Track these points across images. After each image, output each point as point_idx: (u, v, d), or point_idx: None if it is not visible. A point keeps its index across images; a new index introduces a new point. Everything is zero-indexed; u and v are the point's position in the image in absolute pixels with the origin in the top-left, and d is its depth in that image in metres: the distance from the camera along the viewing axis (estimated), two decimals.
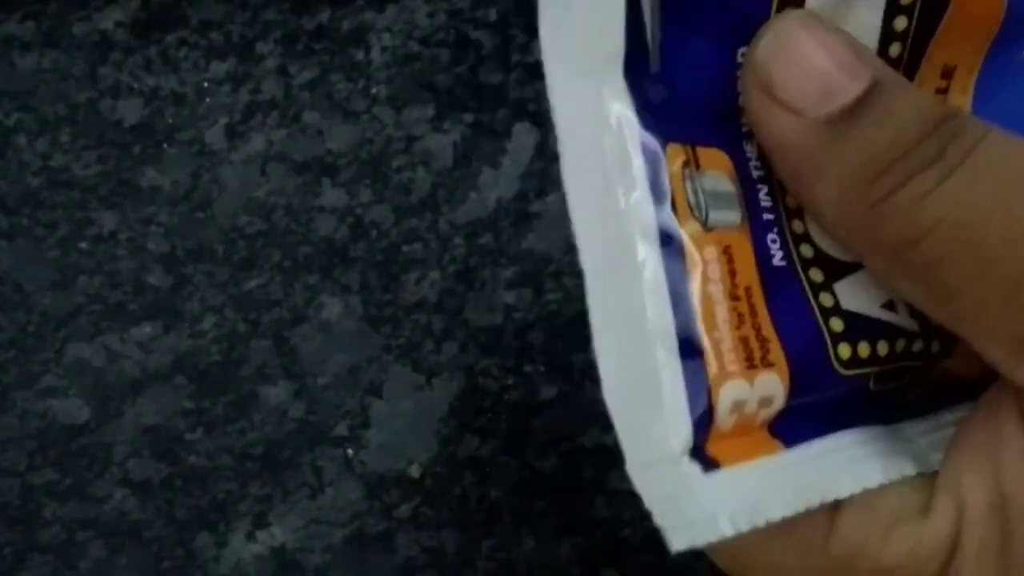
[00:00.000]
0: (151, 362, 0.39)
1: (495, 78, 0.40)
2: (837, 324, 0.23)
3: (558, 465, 0.40)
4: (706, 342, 0.21)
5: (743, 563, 0.23)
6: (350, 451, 0.39)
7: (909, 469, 0.23)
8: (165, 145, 0.39)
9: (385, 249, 0.40)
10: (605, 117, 0.22)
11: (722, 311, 0.22)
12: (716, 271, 0.22)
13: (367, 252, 0.40)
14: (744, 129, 0.23)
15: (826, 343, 0.23)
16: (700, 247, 0.22)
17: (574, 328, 0.40)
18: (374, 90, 0.40)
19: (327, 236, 0.40)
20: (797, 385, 0.22)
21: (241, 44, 0.40)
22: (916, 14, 0.22)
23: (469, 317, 0.40)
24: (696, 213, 0.22)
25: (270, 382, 0.39)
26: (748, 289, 0.22)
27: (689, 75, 0.22)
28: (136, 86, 0.40)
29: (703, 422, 0.21)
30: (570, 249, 0.40)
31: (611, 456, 0.39)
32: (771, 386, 0.22)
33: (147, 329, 0.39)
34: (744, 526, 0.21)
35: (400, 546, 0.39)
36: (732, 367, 0.22)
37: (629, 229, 0.21)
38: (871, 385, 0.23)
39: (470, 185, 0.40)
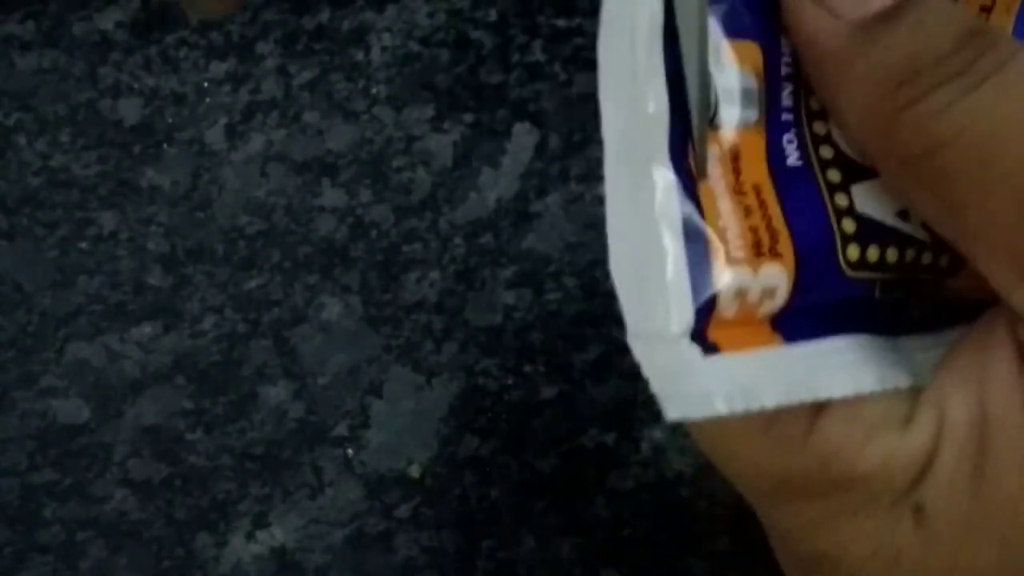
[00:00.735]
0: (151, 362, 0.39)
1: (495, 78, 0.40)
2: (849, 225, 0.23)
3: (558, 465, 0.40)
4: (709, 230, 0.22)
5: (722, 449, 0.23)
6: (350, 451, 0.39)
7: (902, 381, 0.23)
8: (165, 145, 0.39)
9: (385, 249, 0.40)
10: None
11: (725, 204, 0.22)
12: (717, 168, 0.22)
13: (367, 252, 0.40)
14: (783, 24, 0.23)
15: (836, 241, 0.23)
16: None
17: (574, 328, 0.40)
18: (374, 90, 0.40)
19: (327, 236, 0.40)
20: (802, 279, 0.22)
21: (241, 44, 0.40)
22: None
23: (469, 317, 0.40)
24: None
25: (270, 382, 0.39)
26: (756, 186, 0.22)
27: None
28: (136, 86, 0.40)
29: (705, 307, 0.22)
30: (570, 249, 0.40)
31: (611, 456, 0.39)
32: (775, 277, 0.22)
33: (147, 329, 0.39)
34: (738, 407, 0.21)
35: (400, 546, 0.39)
36: (738, 253, 0.22)
37: (646, 120, 0.21)
38: (877, 292, 0.24)
39: (470, 185, 0.40)
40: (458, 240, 0.40)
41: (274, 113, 0.40)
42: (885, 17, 0.21)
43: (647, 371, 0.21)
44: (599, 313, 0.40)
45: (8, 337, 0.39)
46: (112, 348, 0.39)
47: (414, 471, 0.39)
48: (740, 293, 0.22)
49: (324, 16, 0.40)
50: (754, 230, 0.22)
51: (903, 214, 0.23)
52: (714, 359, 0.22)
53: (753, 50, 0.22)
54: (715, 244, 0.22)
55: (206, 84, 0.40)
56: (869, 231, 0.23)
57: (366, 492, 0.39)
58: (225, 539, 0.39)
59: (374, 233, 0.40)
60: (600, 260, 0.40)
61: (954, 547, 0.22)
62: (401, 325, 0.39)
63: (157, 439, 0.39)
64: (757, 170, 0.22)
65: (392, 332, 0.39)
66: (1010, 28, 0.24)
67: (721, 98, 0.22)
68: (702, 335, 0.22)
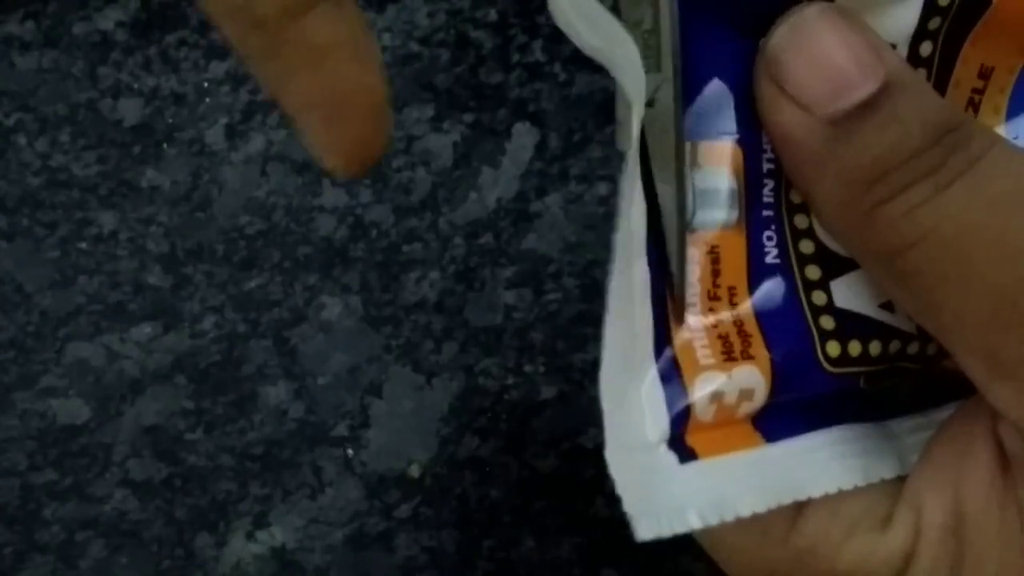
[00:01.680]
0: (151, 362, 0.39)
1: (495, 78, 0.40)
2: (828, 322, 0.23)
3: (558, 465, 0.40)
4: (676, 341, 0.22)
5: (711, 538, 0.24)
6: (350, 451, 0.39)
7: (887, 472, 0.23)
8: (165, 145, 0.39)
9: (385, 249, 0.40)
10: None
11: (694, 312, 0.22)
12: (695, 272, 0.22)
13: (367, 252, 0.40)
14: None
15: (814, 339, 0.23)
16: None
17: (574, 328, 0.40)
18: None
19: (327, 236, 0.40)
20: (780, 380, 0.22)
21: None
22: (951, 14, 0.22)
23: (469, 317, 0.40)
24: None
25: (270, 382, 0.39)
26: (732, 288, 0.22)
27: (708, 64, 0.22)
28: (136, 86, 0.40)
29: (680, 416, 0.22)
30: (570, 249, 0.40)
31: None
32: (750, 378, 0.22)
33: (147, 329, 0.39)
34: (712, 520, 0.21)
35: (400, 546, 0.39)
36: (707, 361, 0.22)
37: (638, 235, 0.22)
38: (861, 383, 0.23)
39: (470, 185, 0.40)
40: (458, 240, 0.40)
41: (274, 113, 0.40)
42: (859, 113, 0.20)
43: (620, 488, 0.21)
44: (599, 313, 0.39)
45: (8, 337, 0.39)
46: (112, 348, 0.39)
47: (414, 471, 0.39)
48: (716, 396, 0.22)
49: None
50: (724, 337, 0.22)
51: (887, 305, 0.23)
52: (691, 466, 0.22)
53: (733, 150, 0.22)
54: (682, 357, 0.22)
55: (206, 84, 0.40)
56: (850, 326, 0.23)
57: (366, 492, 0.39)
58: (225, 539, 0.39)
59: (374, 233, 0.40)
60: (600, 260, 0.40)
61: None
62: (401, 325, 0.39)
63: (157, 439, 0.39)
64: (735, 271, 0.22)
65: (392, 332, 0.39)
66: (1004, 108, 0.24)
67: (700, 201, 0.22)
68: (680, 442, 0.22)
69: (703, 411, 0.22)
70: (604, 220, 0.40)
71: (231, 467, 0.39)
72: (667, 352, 0.22)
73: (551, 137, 0.40)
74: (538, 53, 0.40)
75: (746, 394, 0.22)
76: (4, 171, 0.39)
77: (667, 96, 0.21)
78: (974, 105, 0.23)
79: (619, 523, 0.40)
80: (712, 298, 0.22)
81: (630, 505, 0.21)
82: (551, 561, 0.39)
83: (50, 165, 0.39)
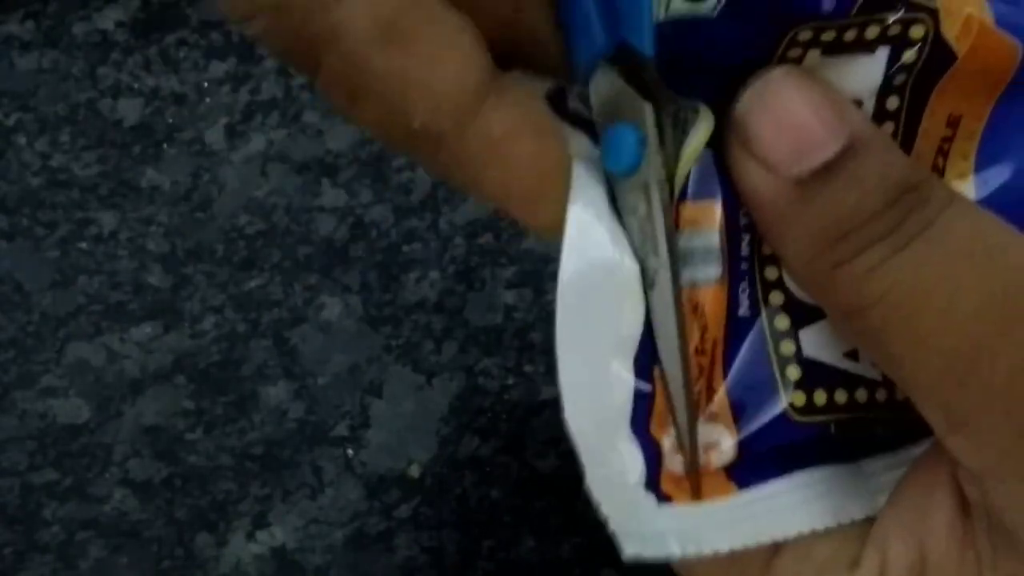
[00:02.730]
0: (151, 362, 0.39)
1: None
2: (794, 372, 0.23)
3: (558, 465, 0.40)
4: (657, 394, 0.23)
5: (685, 569, 0.24)
6: (350, 451, 0.39)
7: (857, 513, 0.24)
8: (165, 145, 0.39)
9: (385, 249, 0.40)
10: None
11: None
12: (691, 330, 0.23)
13: (367, 252, 0.40)
14: None
15: (779, 391, 0.23)
16: None
17: None
18: None
19: (327, 236, 0.40)
20: (744, 432, 0.23)
21: (241, 44, 0.40)
22: (916, 69, 0.22)
23: (469, 317, 0.40)
24: None
25: (270, 382, 0.39)
26: (716, 341, 0.23)
27: None
28: (136, 86, 0.40)
29: (653, 463, 0.23)
30: None
31: None
32: (713, 433, 0.23)
33: (147, 329, 0.39)
34: (691, 551, 0.22)
35: (400, 546, 0.39)
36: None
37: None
38: (832, 430, 0.24)
39: None
40: (458, 240, 0.40)
41: (274, 113, 0.40)
42: (822, 173, 0.21)
43: (605, 511, 0.22)
44: None
45: (8, 337, 0.39)
46: (112, 348, 0.39)
47: (414, 471, 0.39)
48: (680, 448, 0.23)
49: None
50: (699, 393, 0.23)
51: (852, 354, 0.24)
52: (667, 508, 0.22)
53: (714, 209, 0.22)
54: (654, 411, 0.22)
55: (206, 84, 0.40)
56: (815, 376, 0.23)
57: (366, 492, 0.39)
58: (225, 539, 0.39)
59: (374, 233, 0.40)
60: None
61: None
62: (401, 325, 0.40)
63: (157, 439, 0.39)
64: (718, 324, 0.23)
65: (392, 332, 0.39)
66: (973, 154, 0.24)
67: (690, 260, 0.22)
68: (656, 485, 0.23)
69: (671, 462, 0.23)
70: None
71: (231, 467, 0.39)
72: (645, 393, 0.23)
73: None
74: None
75: (712, 446, 0.23)
76: (4, 171, 0.39)
77: (665, 280, 0.22)
78: (943, 153, 0.24)
79: None
80: (700, 352, 0.23)
81: (615, 524, 0.22)
82: (551, 561, 0.39)
83: (50, 165, 0.39)
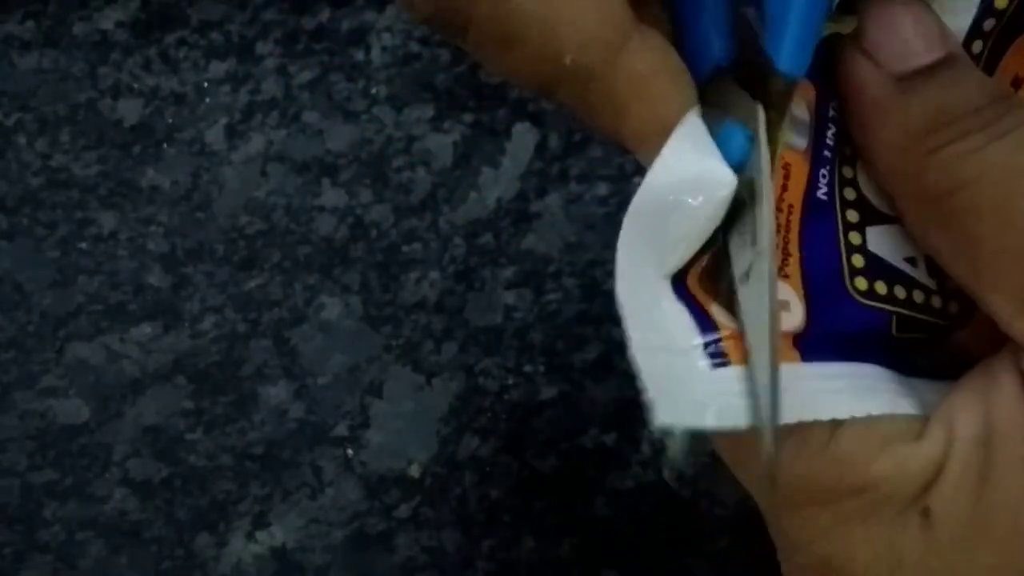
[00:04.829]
0: (151, 362, 0.39)
1: (495, 78, 0.40)
2: (858, 260, 0.25)
3: (558, 465, 0.40)
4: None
5: (741, 453, 0.24)
6: (350, 451, 0.39)
7: (912, 410, 0.24)
8: (165, 145, 0.39)
9: (385, 249, 0.40)
10: None
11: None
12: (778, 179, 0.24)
13: (367, 252, 0.40)
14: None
15: (844, 271, 0.25)
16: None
17: (574, 328, 0.40)
18: (374, 90, 0.40)
19: (327, 236, 0.40)
20: (812, 299, 0.24)
21: (241, 44, 0.40)
22: (1006, 18, 0.25)
23: (469, 317, 0.40)
24: None
25: (270, 382, 0.39)
26: (791, 207, 0.24)
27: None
28: (136, 86, 0.40)
29: (707, 326, 0.23)
30: (570, 249, 0.40)
31: (611, 456, 0.39)
32: (784, 293, 0.24)
33: (147, 329, 0.39)
34: (727, 423, 0.22)
35: (400, 546, 0.39)
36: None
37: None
38: (893, 328, 0.25)
39: (470, 185, 0.40)
40: (458, 240, 0.40)
41: (274, 113, 0.40)
42: (924, 73, 0.24)
43: (645, 377, 0.22)
44: (599, 313, 0.40)
45: (8, 337, 0.39)
46: (112, 348, 0.39)
47: (414, 471, 0.39)
48: None
49: (324, 16, 0.40)
50: (776, 247, 0.23)
51: (911, 260, 0.25)
52: (723, 371, 0.22)
53: (809, 89, 0.24)
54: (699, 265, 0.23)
55: (206, 84, 0.40)
56: (877, 268, 0.25)
57: (366, 492, 0.39)
58: (225, 539, 0.39)
59: (374, 233, 0.40)
60: (600, 260, 0.40)
61: (955, 549, 0.23)
62: (401, 325, 0.39)
63: (157, 439, 0.39)
64: (796, 191, 0.24)
65: (392, 332, 0.39)
66: None
67: (786, 123, 0.24)
68: (715, 344, 0.23)
69: (722, 317, 0.23)
70: (604, 220, 0.40)
71: (231, 467, 0.39)
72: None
73: (551, 137, 0.40)
74: None
75: (783, 305, 0.24)
76: (4, 171, 0.39)
77: (761, 271, 0.22)
78: None
79: (619, 523, 0.40)
80: (776, 208, 0.24)
81: (654, 392, 0.22)
82: (551, 561, 0.39)
83: (50, 165, 0.39)
